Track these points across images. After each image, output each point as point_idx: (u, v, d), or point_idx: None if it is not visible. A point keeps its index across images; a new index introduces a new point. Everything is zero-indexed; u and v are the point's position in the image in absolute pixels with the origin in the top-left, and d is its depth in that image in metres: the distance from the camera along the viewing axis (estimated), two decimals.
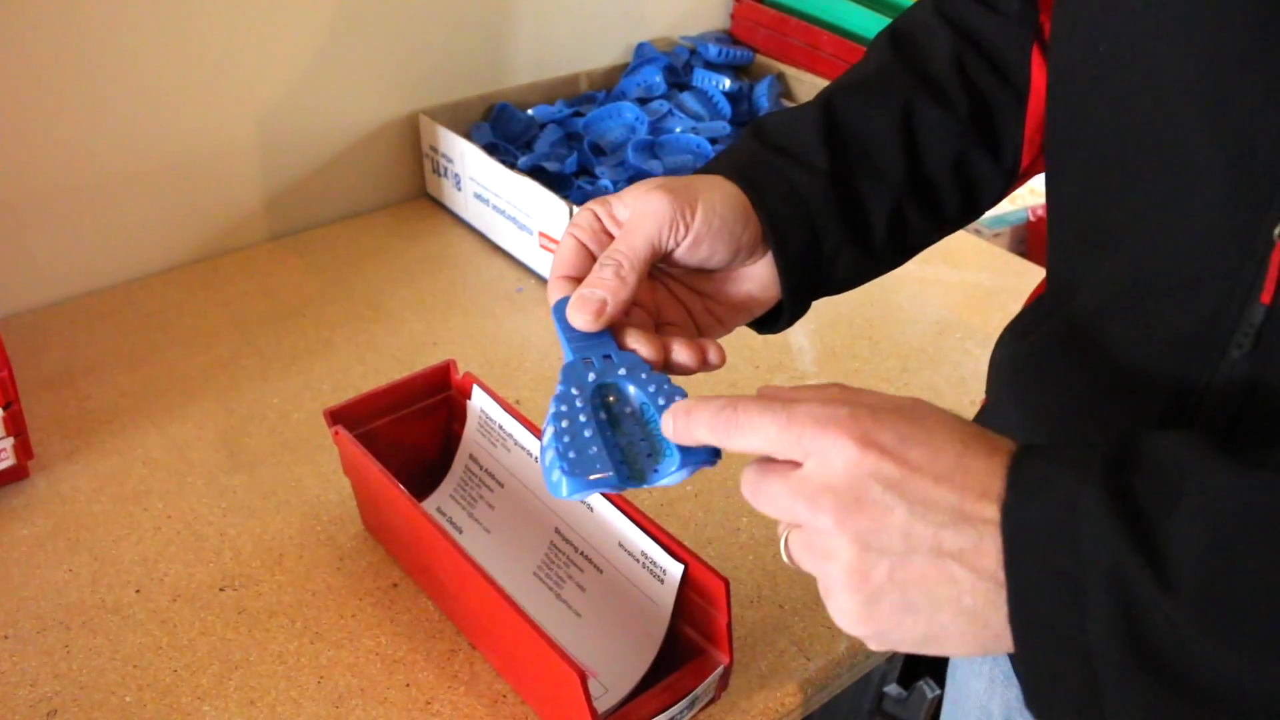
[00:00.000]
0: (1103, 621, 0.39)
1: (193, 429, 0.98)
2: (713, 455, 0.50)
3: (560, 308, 0.56)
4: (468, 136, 1.27)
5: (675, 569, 0.70)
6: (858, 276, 0.65)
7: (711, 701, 0.73)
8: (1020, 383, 0.62)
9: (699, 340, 0.57)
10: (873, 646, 0.45)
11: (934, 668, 1.25)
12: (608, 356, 0.54)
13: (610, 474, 0.49)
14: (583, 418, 0.51)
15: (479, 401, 0.84)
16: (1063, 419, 0.57)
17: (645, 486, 0.50)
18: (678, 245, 0.57)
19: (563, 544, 0.79)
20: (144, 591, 0.81)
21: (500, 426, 0.82)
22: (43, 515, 0.88)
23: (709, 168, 0.61)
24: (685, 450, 0.50)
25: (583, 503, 0.76)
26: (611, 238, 0.58)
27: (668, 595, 0.71)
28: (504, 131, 1.33)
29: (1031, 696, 0.43)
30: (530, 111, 1.36)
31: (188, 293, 1.17)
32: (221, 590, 0.82)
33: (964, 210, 0.67)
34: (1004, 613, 0.41)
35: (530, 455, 0.80)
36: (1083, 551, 0.39)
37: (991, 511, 0.41)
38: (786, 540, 0.46)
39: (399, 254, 1.25)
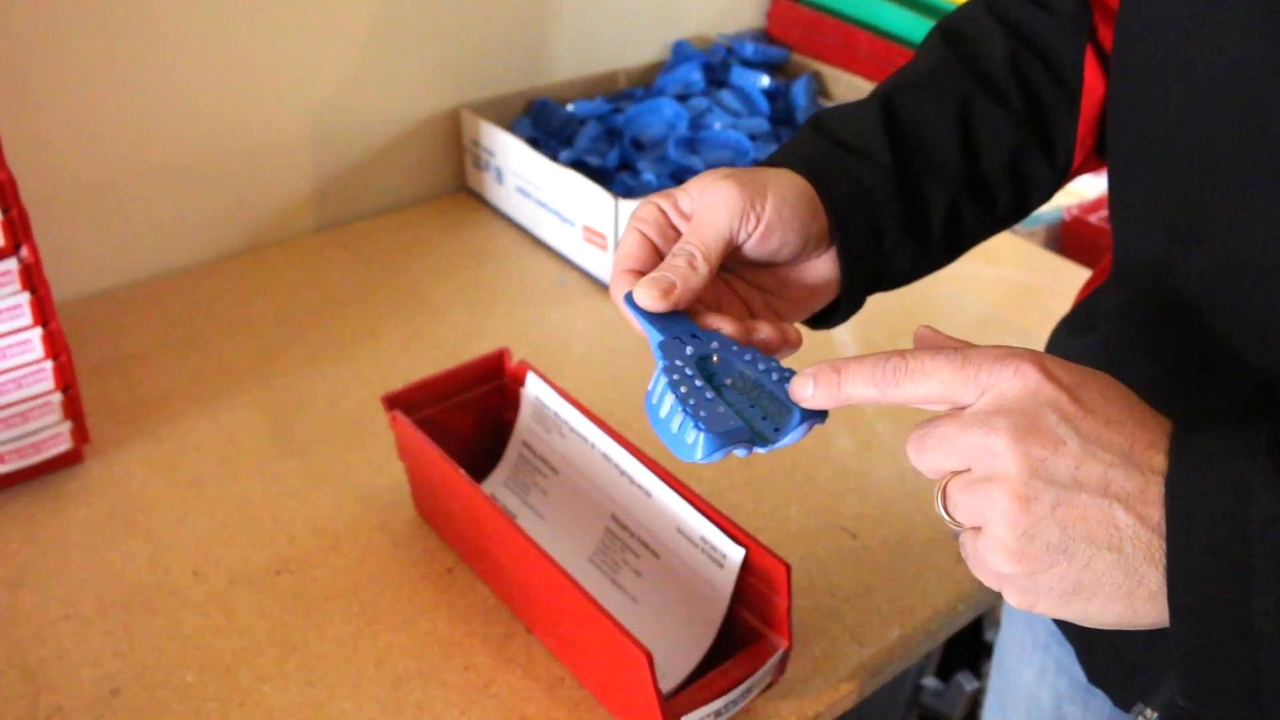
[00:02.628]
0: (1269, 599, 0.38)
1: (243, 416, 0.99)
2: (823, 416, 0.50)
3: (630, 297, 0.55)
4: (508, 131, 1.28)
5: (736, 553, 0.70)
6: (912, 273, 0.65)
7: (770, 686, 0.73)
8: None
9: (778, 322, 0.57)
10: (1014, 597, 0.44)
11: (971, 660, 1.25)
12: (694, 335, 0.54)
13: (744, 427, 0.49)
14: (698, 383, 0.51)
15: (534, 389, 0.84)
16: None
17: (769, 449, 0.50)
18: (749, 236, 0.56)
19: (619, 530, 0.80)
20: (201, 574, 0.82)
21: (556, 414, 0.83)
22: (99, 499, 0.89)
23: (772, 160, 0.61)
24: (803, 411, 0.50)
25: (640, 488, 0.77)
26: (675, 230, 0.58)
27: (727, 580, 0.72)
28: (544, 127, 1.34)
29: (1185, 671, 0.42)
30: (570, 107, 1.37)
31: (236, 282, 1.18)
32: (277, 574, 0.82)
33: (1015, 208, 0.68)
34: (1162, 569, 0.40)
35: (586, 441, 0.81)
36: (1250, 528, 0.39)
37: (1160, 461, 0.41)
38: (944, 489, 0.45)
39: (441, 247, 1.26)
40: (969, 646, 1.26)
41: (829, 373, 0.48)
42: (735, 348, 0.54)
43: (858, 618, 0.81)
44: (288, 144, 1.23)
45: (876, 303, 1.15)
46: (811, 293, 0.62)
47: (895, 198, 0.61)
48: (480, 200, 1.36)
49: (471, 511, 0.76)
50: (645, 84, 1.47)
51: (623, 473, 0.78)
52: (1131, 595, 0.41)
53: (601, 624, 0.65)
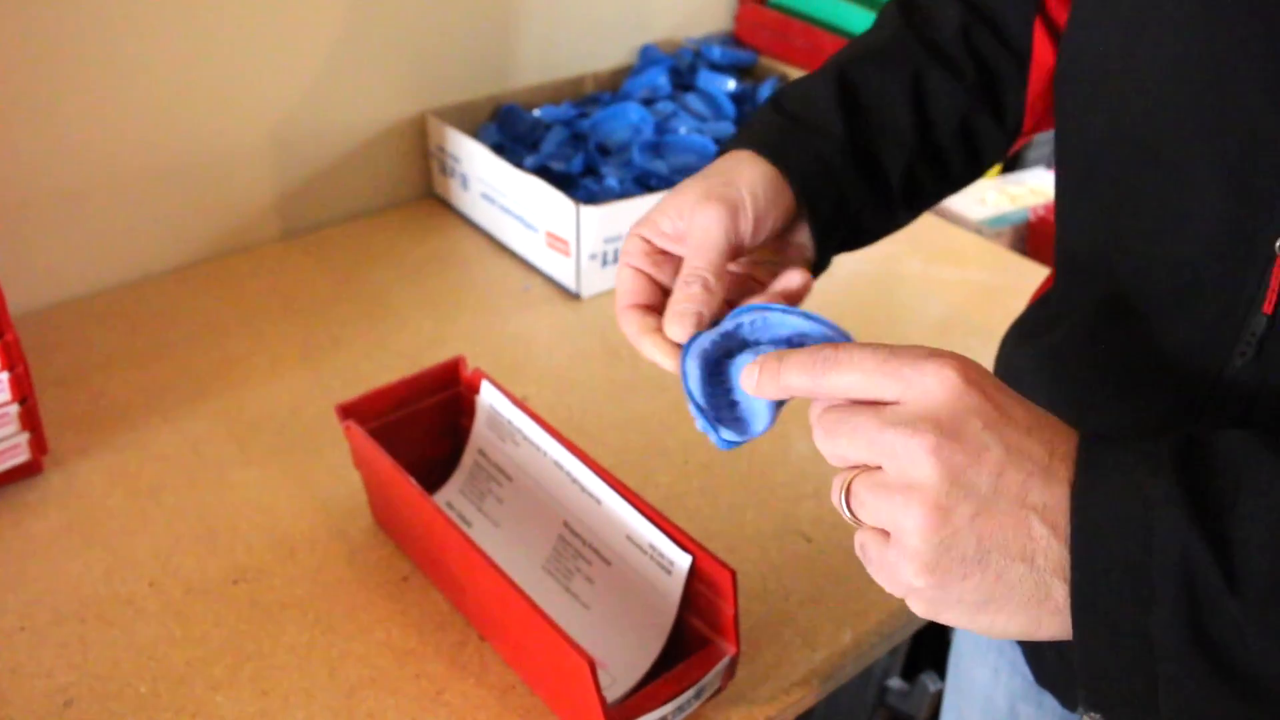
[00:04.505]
0: (1167, 612, 0.39)
1: (204, 425, 0.99)
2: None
3: (686, 352, 0.58)
4: (475, 137, 1.28)
5: (683, 560, 0.71)
6: (878, 231, 0.69)
7: (718, 692, 0.74)
8: (1027, 387, 0.62)
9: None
10: (920, 606, 0.43)
11: (936, 661, 1.26)
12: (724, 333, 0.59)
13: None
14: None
15: (488, 397, 0.85)
16: (1072, 421, 0.58)
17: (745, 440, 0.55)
18: (744, 239, 0.60)
19: (571, 537, 0.80)
20: (157, 585, 0.83)
21: (510, 421, 0.83)
22: (57, 510, 0.89)
23: (736, 142, 0.64)
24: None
25: (591, 496, 0.77)
26: (664, 254, 0.61)
27: (675, 587, 0.72)
28: (510, 132, 1.34)
29: (1087, 681, 0.42)
30: (536, 112, 1.37)
31: (198, 291, 1.19)
32: (234, 583, 0.83)
33: (968, 168, 0.71)
34: (1068, 582, 0.41)
35: (538, 449, 0.81)
36: (1153, 542, 0.39)
37: (1071, 472, 0.41)
38: (848, 486, 0.45)
39: (406, 253, 1.27)
40: (934, 647, 1.27)
41: (773, 361, 0.48)
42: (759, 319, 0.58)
43: (811, 622, 0.82)
44: (252, 151, 1.23)
45: (840, 305, 1.16)
46: (793, 255, 0.65)
47: (853, 167, 0.64)
48: (446, 206, 1.36)
49: (424, 521, 0.76)
50: (612, 88, 1.48)
51: (574, 480, 0.79)
52: (1039, 607, 0.42)
53: (546, 632, 0.66)
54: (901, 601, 0.83)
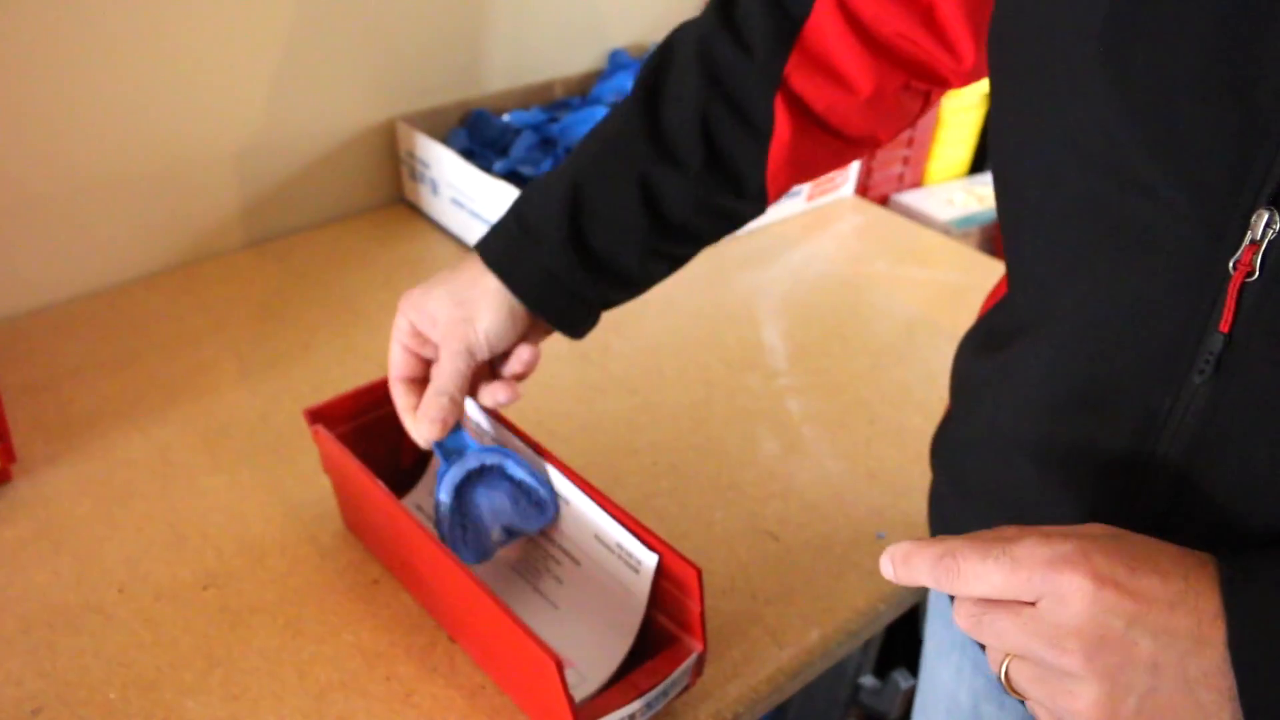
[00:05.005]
0: None
1: (174, 431, 0.99)
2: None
3: (438, 488, 0.77)
4: (444, 142, 1.29)
5: (650, 559, 0.72)
6: (631, 294, 0.76)
7: (686, 689, 0.74)
8: (988, 399, 0.63)
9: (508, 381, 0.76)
10: None
11: (908, 658, 1.27)
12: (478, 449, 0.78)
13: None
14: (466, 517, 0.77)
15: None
16: (1033, 435, 0.58)
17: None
18: (483, 360, 0.74)
19: (540, 538, 0.81)
20: (127, 591, 0.83)
21: (477, 425, 0.84)
22: (26, 518, 0.89)
23: (482, 246, 0.74)
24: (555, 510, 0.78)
25: (560, 496, 0.78)
26: (423, 337, 0.74)
27: (643, 585, 0.73)
28: (480, 137, 1.35)
29: None
30: (506, 117, 1.38)
31: (168, 298, 1.19)
32: (204, 589, 0.83)
33: (724, 228, 0.76)
34: None
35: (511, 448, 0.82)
36: None
37: (1225, 631, 0.42)
38: (1008, 668, 0.46)
39: (377, 259, 1.27)
40: (907, 645, 1.28)
41: (901, 560, 0.49)
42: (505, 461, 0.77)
43: (778, 620, 0.83)
44: (221, 157, 1.23)
45: (806, 306, 1.17)
46: (547, 333, 0.77)
47: (581, 268, 0.72)
48: (417, 212, 1.37)
49: (392, 524, 0.77)
50: (582, 93, 1.48)
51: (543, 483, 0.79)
52: None
53: (514, 632, 0.66)
54: (869, 599, 0.85)
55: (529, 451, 0.80)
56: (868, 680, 1.24)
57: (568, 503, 0.78)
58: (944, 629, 0.82)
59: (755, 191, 0.73)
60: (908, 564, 0.48)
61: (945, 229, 1.48)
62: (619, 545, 0.74)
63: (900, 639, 1.28)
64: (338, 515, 0.89)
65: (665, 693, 0.71)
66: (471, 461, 0.78)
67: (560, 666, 0.64)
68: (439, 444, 0.76)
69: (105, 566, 0.85)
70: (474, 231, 1.26)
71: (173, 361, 1.08)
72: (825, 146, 0.73)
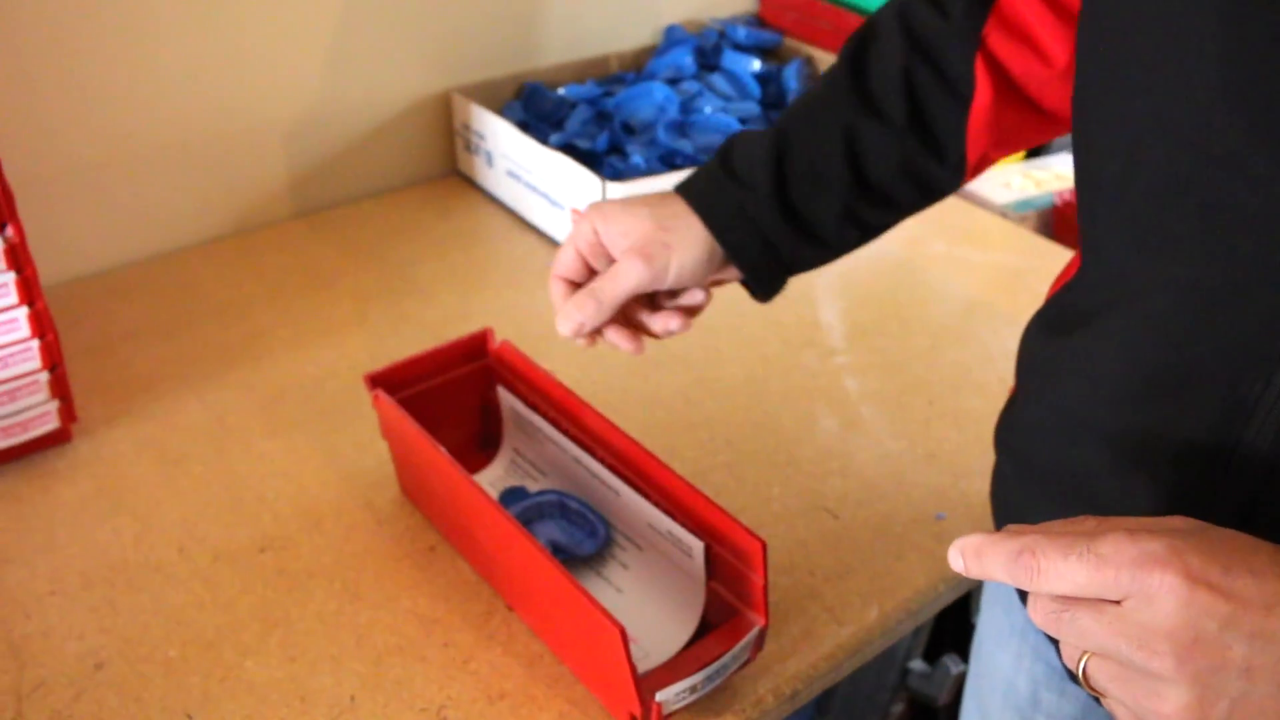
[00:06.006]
0: None
1: (230, 396, 0.99)
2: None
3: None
4: (499, 115, 1.28)
5: (697, 546, 0.72)
6: (824, 259, 0.76)
7: (747, 663, 0.73)
8: (1060, 381, 0.61)
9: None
10: None
11: (958, 643, 1.26)
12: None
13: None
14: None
15: (507, 399, 0.86)
16: (1107, 420, 0.56)
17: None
18: (657, 288, 0.72)
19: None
20: (186, 551, 0.83)
21: (529, 422, 0.84)
22: (86, 477, 0.89)
23: (683, 187, 0.74)
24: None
25: (610, 489, 0.79)
26: (603, 249, 0.72)
27: (698, 568, 0.73)
28: (535, 110, 1.34)
29: None
30: (561, 91, 1.37)
31: (223, 265, 1.19)
32: (262, 551, 0.83)
33: (920, 199, 0.75)
34: None
35: (558, 447, 0.83)
36: None
37: None
38: (1087, 665, 0.44)
39: (431, 229, 1.27)
40: (957, 630, 1.27)
41: (973, 556, 0.47)
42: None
43: (837, 597, 0.82)
44: (276, 127, 1.23)
45: (864, 285, 1.16)
46: (724, 281, 0.75)
47: (781, 220, 0.71)
48: (470, 183, 1.36)
49: (453, 490, 0.77)
50: (636, 68, 1.47)
51: (593, 475, 0.79)
52: None
53: (577, 601, 0.65)
54: (929, 579, 0.84)
55: (572, 461, 0.82)
56: (917, 665, 1.23)
57: (619, 495, 0.78)
58: (1003, 615, 0.81)
59: (955, 158, 0.72)
60: (980, 558, 0.46)
61: (1002, 212, 1.46)
62: (669, 533, 0.75)
63: (950, 624, 1.27)
64: (394, 482, 0.89)
65: (726, 666, 0.71)
66: (528, 501, 0.83)
67: (624, 635, 0.63)
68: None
69: (164, 527, 0.85)
70: (528, 204, 1.26)
71: (228, 328, 1.08)
72: (1024, 116, 0.71)
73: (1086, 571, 0.42)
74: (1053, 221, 1.50)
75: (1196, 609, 0.40)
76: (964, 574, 0.48)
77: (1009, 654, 0.80)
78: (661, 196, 0.73)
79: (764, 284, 0.74)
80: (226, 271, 1.18)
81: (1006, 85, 0.70)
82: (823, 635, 0.79)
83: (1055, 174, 1.56)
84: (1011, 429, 0.68)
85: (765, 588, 0.70)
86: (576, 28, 1.43)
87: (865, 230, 0.75)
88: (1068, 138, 0.76)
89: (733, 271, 0.74)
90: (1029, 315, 1.12)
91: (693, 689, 0.69)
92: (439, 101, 1.34)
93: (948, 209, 1.36)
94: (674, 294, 0.75)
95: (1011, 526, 0.46)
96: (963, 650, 1.28)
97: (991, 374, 1.07)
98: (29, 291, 0.84)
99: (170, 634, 0.76)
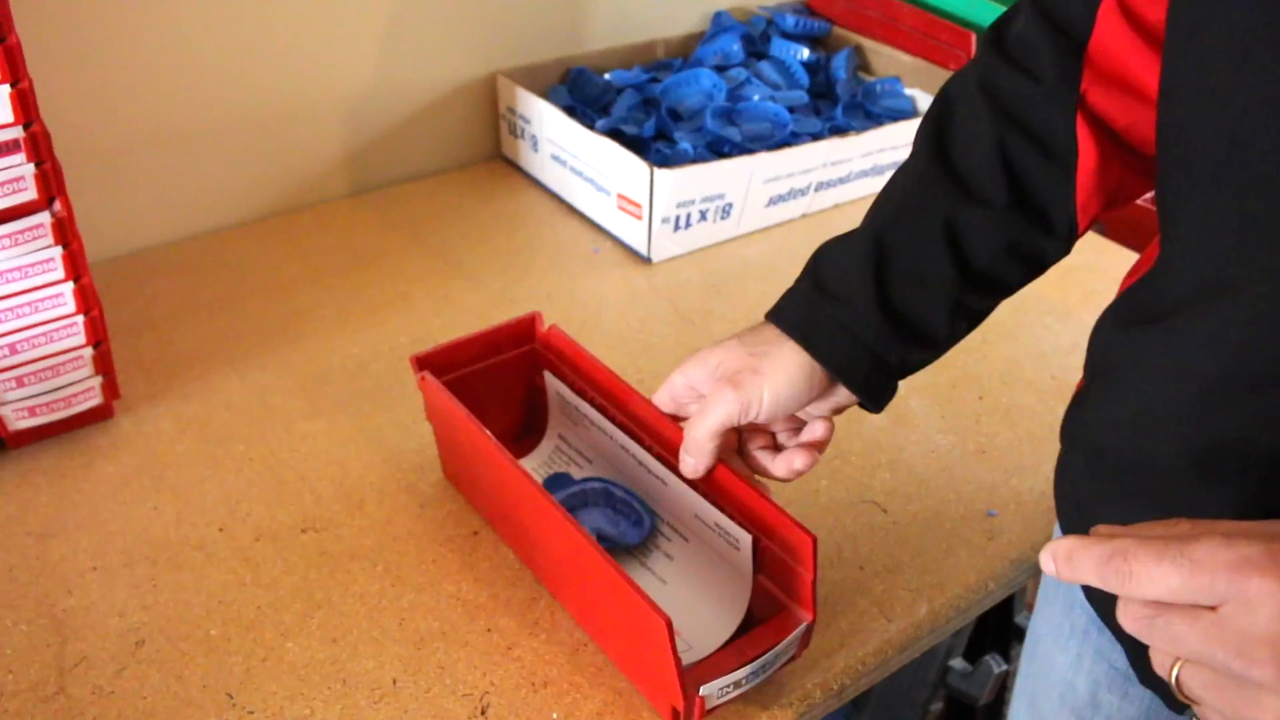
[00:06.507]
0: None
1: (272, 376, 0.98)
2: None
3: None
4: (544, 99, 1.27)
5: (745, 538, 0.71)
6: (933, 358, 0.71)
7: (793, 659, 0.72)
8: (1136, 375, 0.59)
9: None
10: None
11: (1001, 644, 1.24)
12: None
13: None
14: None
15: (553, 385, 0.84)
16: (1188, 416, 0.54)
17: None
18: (749, 422, 0.68)
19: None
20: (227, 530, 0.82)
21: (576, 408, 0.82)
22: (128, 454, 0.89)
23: (774, 313, 0.69)
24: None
25: (657, 478, 0.77)
26: (695, 392, 0.71)
27: (745, 561, 0.72)
28: (581, 95, 1.33)
29: None
30: (607, 76, 1.36)
31: (266, 245, 1.18)
32: (303, 532, 0.82)
33: (1029, 274, 0.70)
34: None
35: (605, 434, 0.81)
36: None
37: None
38: (1179, 673, 0.43)
39: (474, 213, 1.26)
40: (999, 629, 1.25)
41: (1064, 559, 0.45)
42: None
43: (886, 592, 0.80)
44: (322, 108, 1.22)
45: None
46: (835, 412, 0.71)
47: (888, 329, 0.66)
48: (515, 168, 1.35)
49: (498, 475, 0.75)
50: (684, 54, 1.46)
51: (641, 464, 0.78)
52: None
53: (623, 591, 0.64)
54: (980, 576, 0.82)
55: (619, 449, 0.80)
56: (958, 663, 1.21)
57: (665, 484, 0.76)
58: (1061, 615, 0.79)
59: (1065, 227, 0.68)
60: (1071, 561, 0.45)
61: None
62: (716, 525, 0.73)
63: (991, 623, 1.25)
64: (437, 465, 0.88)
65: (771, 662, 0.69)
66: (574, 488, 0.81)
67: (670, 627, 0.62)
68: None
69: (205, 505, 0.84)
70: (573, 189, 1.24)
71: (270, 307, 1.08)
72: (1132, 169, 0.67)
73: (1180, 577, 0.41)
74: (1104, 218, 1.47)
75: None
76: (1054, 576, 0.46)
77: (1068, 654, 0.78)
78: (753, 328, 0.70)
79: (876, 397, 0.69)
80: (269, 251, 1.17)
81: (1110, 140, 0.66)
82: (871, 630, 0.77)
83: None
84: (1082, 423, 0.65)
85: (814, 583, 0.69)
86: (624, 12, 1.42)
87: (974, 319, 0.71)
88: None
89: (843, 393, 0.69)
90: (1082, 311, 1.10)
91: (737, 684, 0.67)
92: (484, 85, 1.33)
93: None
94: (796, 431, 0.72)
95: (1102, 528, 0.44)
96: (1003, 649, 1.26)
97: (1043, 370, 1.05)
98: (75, 267, 0.84)
99: (211, 613, 0.76)
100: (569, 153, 1.22)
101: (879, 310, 0.66)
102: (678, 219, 1.15)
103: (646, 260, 1.18)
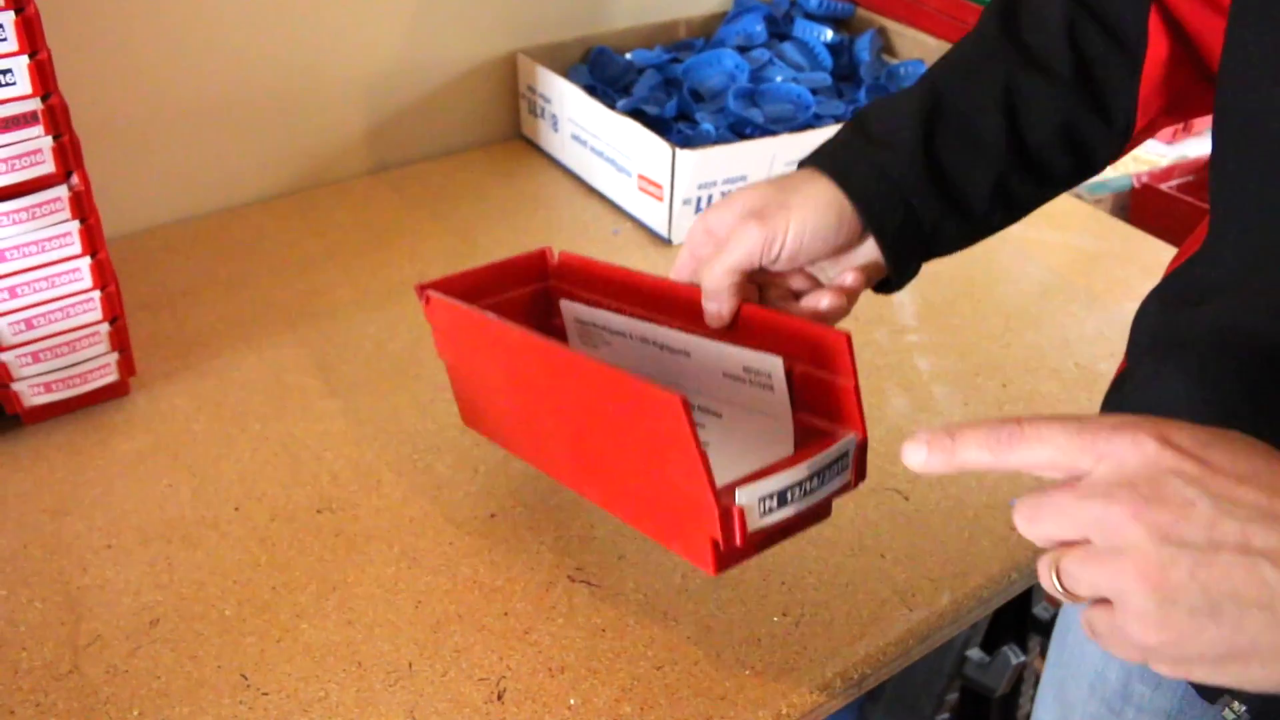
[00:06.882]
0: None
1: (289, 354, 0.98)
2: None
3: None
4: (565, 78, 1.26)
5: (774, 364, 0.65)
6: (965, 240, 0.68)
7: (847, 486, 0.64)
8: (1184, 362, 0.58)
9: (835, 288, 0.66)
10: (1164, 667, 0.41)
11: (1018, 634, 1.23)
12: None
13: None
14: None
15: (570, 311, 0.80)
16: (1256, 389, 0.53)
17: None
18: (772, 263, 0.64)
19: None
20: (243, 510, 0.82)
21: (592, 324, 0.78)
22: (144, 431, 0.88)
23: (808, 160, 0.66)
24: None
25: (681, 353, 0.72)
26: (715, 237, 0.67)
27: (782, 401, 0.66)
28: (602, 75, 1.32)
29: None
30: (629, 55, 1.34)
31: (284, 222, 1.17)
32: (319, 512, 0.82)
33: (1076, 171, 0.68)
34: None
35: (624, 335, 0.76)
36: None
37: None
38: (1058, 568, 0.43)
39: (494, 192, 1.25)
40: (1017, 620, 1.24)
41: (943, 438, 0.46)
42: None
43: (908, 581, 0.79)
44: (341, 85, 1.21)
45: (937, 262, 1.12)
46: (865, 271, 0.66)
47: (927, 181, 0.63)
48: (534, 147, 1.34)
49: (512, 359, 0.70)
50: (706, 34, 1.44)
51: (663, 347, 0.74)
52: None
53: (630, 386, 0.59)
54: (1003, 567, 0.81)
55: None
56: (975, 654, 1.20)
57: (688, 355, 0.72)
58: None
59: (1123, 121, 0.65)
60: (956, 439, 0.45)
61: (1077, 193, 1.42)
62: (745, 369, 0.67)
63: (1009, 614, 1.24)
64: (454, 446, 0.87)
65: (819, 477, 0.61)
66: None
67: (685, 404, 0.55)
68: None
69: (221, 484, 0.84)
70: (593, 169, 1.23)
71: (287, 285, 1.07)
72: (1195, 81, 0.66)
73: (1067, 434, 0.42)
74: (1130, 205, 1.45)
75: (1163, 465, 0.40)
76: (923, 467, 0.47)
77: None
78: (785, 174, 0.67)
79: (900, 261, 0.66)
80: (287, 228, 1.16)
81: (1180, 42, 0.64)
82: (893, 619, 0.76)
83: (1133, 155, 1.52)
84: (1122, 405, 0.64)
85: (858, 392, 0.62)
86: None
87: (1011, 208, 0.68)
88: None
89: (865, 254, 0.66)
90: (1107, 299, 1.08)
91: (780, 497, 0.59)
92: (504, 63, 1.32)
93: None
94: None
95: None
96: (1020, 640, 1.25)
97: (1068, 358, 1.04)
98: (92, 241, 0.83)
99: (226, 593, 0.75)
100: (589, 133, 1.21)
101: (923, 159, 0.64)
102: (699, 200, 1.13)
103: (667, 242, 1.16)
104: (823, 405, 0.65)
